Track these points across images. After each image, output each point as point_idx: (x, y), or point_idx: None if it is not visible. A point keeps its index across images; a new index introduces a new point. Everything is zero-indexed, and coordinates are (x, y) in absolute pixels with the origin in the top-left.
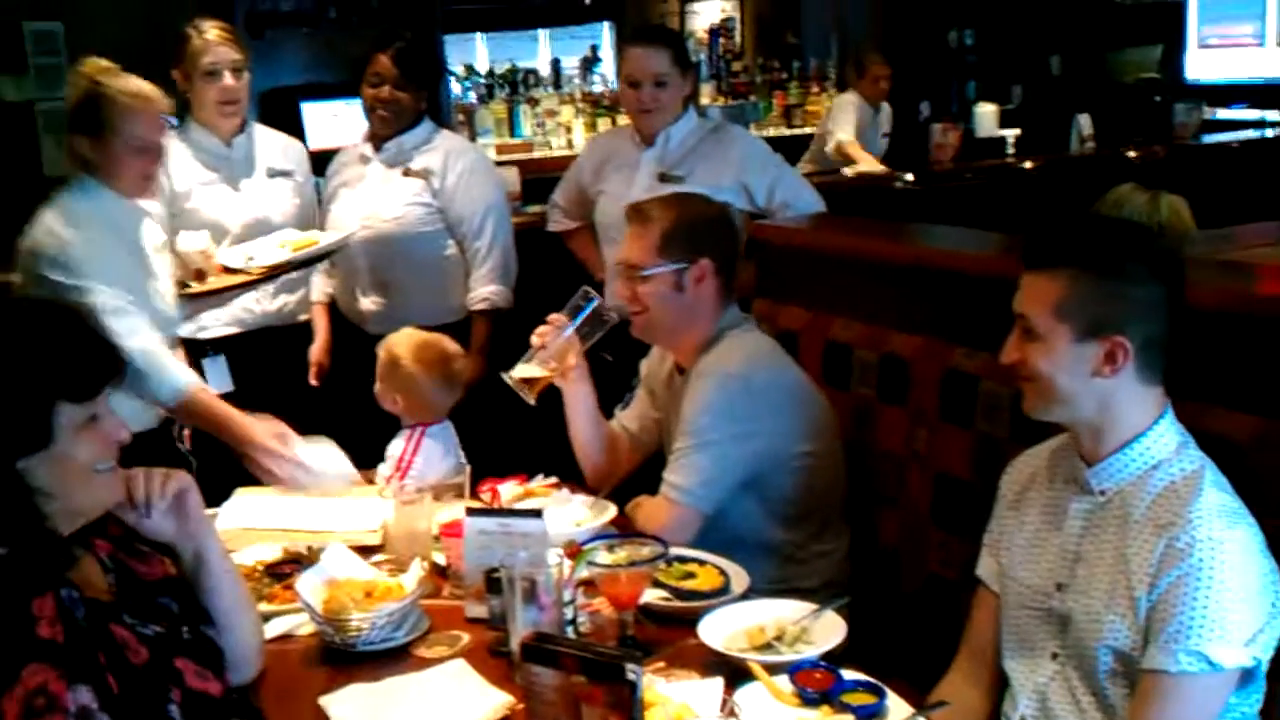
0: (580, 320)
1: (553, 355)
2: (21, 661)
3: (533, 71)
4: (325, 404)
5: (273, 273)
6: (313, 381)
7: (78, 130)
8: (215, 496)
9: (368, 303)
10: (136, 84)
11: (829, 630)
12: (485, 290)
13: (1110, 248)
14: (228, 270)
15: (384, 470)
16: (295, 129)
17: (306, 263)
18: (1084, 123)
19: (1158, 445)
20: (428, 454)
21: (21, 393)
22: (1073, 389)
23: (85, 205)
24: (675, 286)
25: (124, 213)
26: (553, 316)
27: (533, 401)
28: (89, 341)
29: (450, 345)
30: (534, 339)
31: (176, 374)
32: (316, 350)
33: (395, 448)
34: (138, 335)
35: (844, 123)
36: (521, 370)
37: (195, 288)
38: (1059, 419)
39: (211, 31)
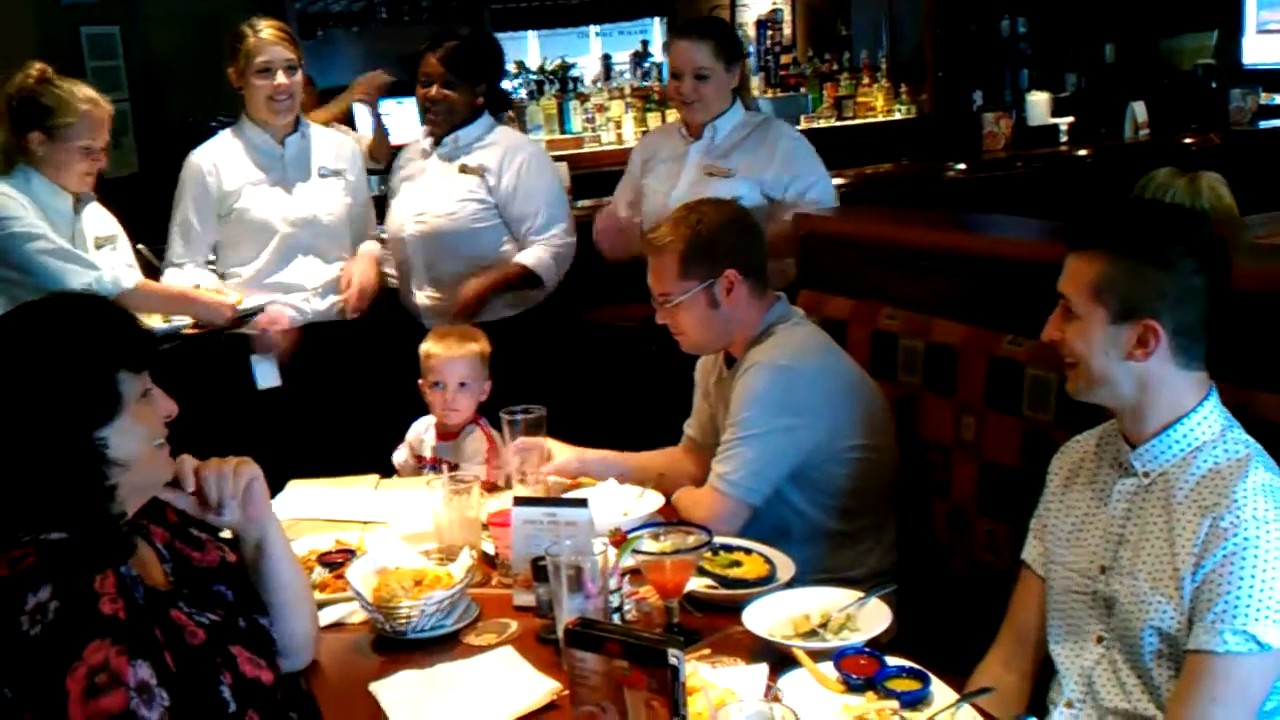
0: (514, 438)
1: (516, 470)
2: (85, 639)
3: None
4: (377, 394)
5: (192, 335)
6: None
7: (30, 127)
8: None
9: (422, 296)
10: (86, 90)
11: (874, 617)
12: (536, 251)
13: (1149, 233)
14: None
15: (474, 469)
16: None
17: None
18: (1138, 110)
19: (1201, 428)
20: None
21: (89, 364)
22: (1108, 370)
23: (22, 187)
24: (709, 304)
25: (58, 202)
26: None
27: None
28: (132, 318)
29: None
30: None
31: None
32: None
33: (477, 442)
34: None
35: None
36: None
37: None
38: (1100, 400)
39: (266, 30)
